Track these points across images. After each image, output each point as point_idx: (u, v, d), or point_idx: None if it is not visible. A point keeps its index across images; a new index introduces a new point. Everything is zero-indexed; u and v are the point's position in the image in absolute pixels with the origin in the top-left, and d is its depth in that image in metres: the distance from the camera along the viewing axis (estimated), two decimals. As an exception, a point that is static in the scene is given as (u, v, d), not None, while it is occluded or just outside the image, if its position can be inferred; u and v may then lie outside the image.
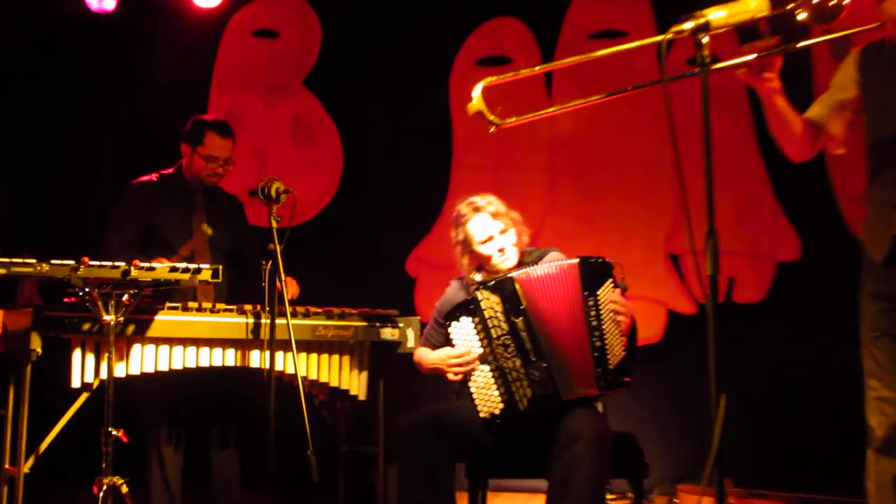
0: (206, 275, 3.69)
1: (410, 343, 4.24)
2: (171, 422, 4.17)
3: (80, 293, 3.50)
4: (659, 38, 2.47)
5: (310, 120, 6.27)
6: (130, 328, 3.73)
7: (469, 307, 3.45)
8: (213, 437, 4.30)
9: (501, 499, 5.25)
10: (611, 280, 3.42)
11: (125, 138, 5.86)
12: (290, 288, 4.18)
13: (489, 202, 3.73)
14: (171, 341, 3.83)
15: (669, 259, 5.68)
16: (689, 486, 4.98)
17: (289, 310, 3.82)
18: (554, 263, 3.51)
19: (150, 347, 3.80)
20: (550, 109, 3.04)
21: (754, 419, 4.79)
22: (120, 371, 3.72)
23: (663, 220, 5.70)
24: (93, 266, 3.45)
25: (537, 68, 3.11)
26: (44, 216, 5.87)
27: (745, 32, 2.67)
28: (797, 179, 4.88)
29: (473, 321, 3.44)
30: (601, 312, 3.37)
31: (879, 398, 2.99)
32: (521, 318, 3.38)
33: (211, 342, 3.90)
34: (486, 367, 3.40)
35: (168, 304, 3.83)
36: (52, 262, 3.41)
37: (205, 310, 3.89)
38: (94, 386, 3.72)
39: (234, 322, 3.92)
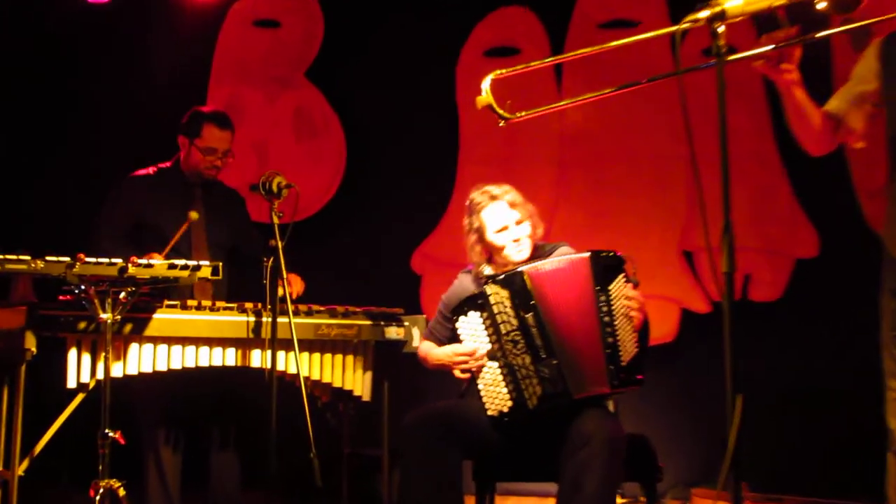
0: (205, 272, 3.69)
1: (416, 342, 4.24)
2: (169, 423, 4.18)
3: (76, 291, 3.51)
4: (673, 28, 2.47)
5: (312, 112, 6.27)
6: (128, 327, 3.74)
7: (477, 301, 3.45)
8: (212, 439, 4.31)
9: (510, 502, 5.25)
10: (622, 275, 3.43)
11: (122, 131, 5.86)
12: (295, 285, 4.19)
13: (506, 191, 3.74)
14: (170, 340, 3.84)
15: (683, 256, 5.67)
16: (704, 490, 4.98)
17: (291, 308, 3.82)
18: (564, 257, 3.52)
19: (148, 347, 3.81)
20: (561, 103, 3.05)
21: (771, 421, 4.79)
22: (117, 371, 3.73)
23: (677, 215, 5.69)
24: (89, 263, 3.45)
25: (547, 60, 3.11)
26: (41, 213, 5.87)
27: (762, 22, 2.66)
28: (815, 174, 4.87)
29: (482, 316, 3.44)
30: (613, 308, 3.37)
31: (900, 400, 2.99)
32: (531, 314, 3.39)
33: (210, 341, 3.90)
34: (495, 364, 3.41)
35: (166, 302, 3.84)
36: (47, 258, 3.41)
37: (204, 308, 3.90)
38: (91, 386, 3.72)
39: (234, 321, 3.93)
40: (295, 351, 3.78)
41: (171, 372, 3.84)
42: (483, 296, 3.43)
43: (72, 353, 3.69)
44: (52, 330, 3.65)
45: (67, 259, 3.42)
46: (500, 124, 2.79)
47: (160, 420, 4.17)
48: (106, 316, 3.51)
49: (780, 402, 5.04)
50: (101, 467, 3.51)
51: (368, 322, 4.20)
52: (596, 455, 3.14)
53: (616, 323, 3.37)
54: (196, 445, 4.30)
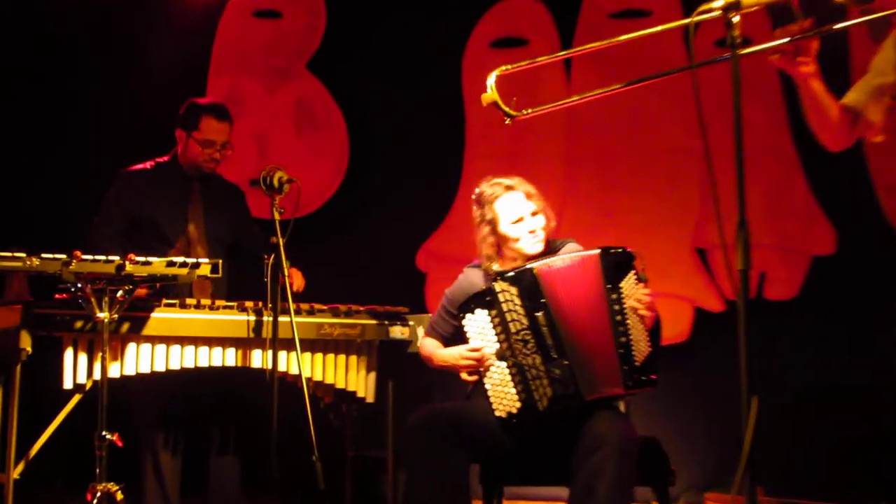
0: (204, 269, 3.70)
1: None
2: (167, 425, 4.20)
3: (73, 289, 3.51)
4: (685, 21, 2.47)
5: (314, 105, 6.27)
6: (125, 326, 3.76)
7: (485, 299, 3.44)
8: (211, 441, 4.32)
9: (517, 507, 5.26)
10: (633, 272, 3.43)
11: (122, 130, 5.86)
12: (295, 280, 4.20)
13: (521, 181, 3.73)
14: (168, 340, 3.85)
15: (696, 253, 5.67)
16: (718, 494, 4.99)
17: (292, 307, 3.83)
18: (575, 254, 3.52)
19: (146, 346, 3.83)
20: (569, 100, 3.03)
21: (787, 423, 4.77)
22: (114, 371, 3.74)
23: (689, 211, 5.69)
24: (85, 260, 3.46)
25: (553, 56, 3.11)
26: (41, 213, 5.88)
27: (777, 13, 2.66)
28: (832, 168, 4.86)
29: (490, 314, 3.43)
30: (625, 306, 3.38)
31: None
32: (541, 312, 3.38)
33: (210, 341, 3.92)
34: (503, 364, 3.40)
35: (165, 301, 3.85)
36: (43, 256, 3.42)
37: (203, 307, 3.91)
38: (87, 387, 3.75)
39: (234, 320, 3.94)
40: (297, 351, 3.80)
41: (169, 372, 3.86)
42: (491, 293, 3.42)
43: (68, 353, 3.71)
44: (48, 329, 3.67)
45: (63, 256, 3.44)
46: (507, 122, 2.79)
47: (158, 422, 4.18)
48: (103, 315, 3.52)
49: (797, 402, 5.03)
50: (98, 470, 3.52)
51: (372, 321, 4.21)
52: (609, 458, 3.14)
53: (628, 322, 3.37)
54: (195, 448, 4.32)
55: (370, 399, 4.25)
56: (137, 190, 4.32)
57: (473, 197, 3.78)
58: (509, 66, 2.79)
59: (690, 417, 5.35)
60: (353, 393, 4.20)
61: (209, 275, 3.71)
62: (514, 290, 3.40)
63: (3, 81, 5.96)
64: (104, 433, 3.51)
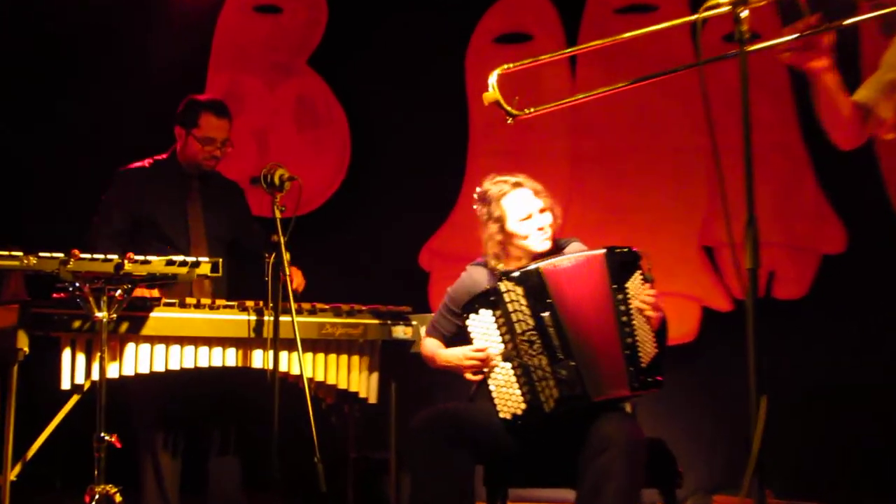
0: (204, 268, 3.70)
1: (424, 342, 4.26)
2: (167, 425, 4.20)
3: (71, 288, 3.52)
4: (693, 17, 2.47)
5: (315, 101, 6.27)
6: (124, 326, 3.76)
7: (490, 298, 3.43)
8: (211, 442, 4.33)
9: (522, 510, 5.26)
10: (639, 272, 3.43)
11: (122, 130, 5.86)
12: (295, 279, 4.19)
13: (527, 179, 3.72)
14: (168, 340, 3.86)
15: (703, 252, 5.67)
16: (726, 496, 4.99)
17: (294, 306, 3.83)
18: (580, 254, 3.52)
19: (145, 346, 3.84)
20: (573, 99, 3.02)
21: (796, 423, 4.78)
22: (113, 372, 3.74)
23: (697, 209, 5.69)
24: (84, 259, 3.46)
25: (556, 53, 3.10)
26: (41, 213, 5.89)
27: (787, 10, 2.66)
28: (843, 166, 4.86)
29: (494, 314, 3.42)
30: (631, 307, 3.38)
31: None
32: (547, 313, 3.37)
33: (210, 341, 3.92)
34: (508, 365, 3.39)
35: (164, 300, 3.85)
36: (41, 254, 3.42)
37: (203, 306, 3.92)
38: (86, 387, 3.75)
39: (234, 319, 3.95)
40: (298, 351, 3.80)
41: (168, 373, 3.86)
42: (496, 293, 3.41)
43: (66, 353, 3.71)
44: (46, 329, 3.67)
45: (61, 255, 3.43)
46: (509, 121, 2.78)
47: (158, 422, 4.18)
48: (101, 314, 3.52)
49: (807, 403, 5.03)
50: (96, 472, 3.52)
51: (375, 321, 4.21)
52: (616, 459, 3.14)
53: (634, 322, 3.37)
54: (195, 449, 4.32)
55: (373, 400, 4.25)
56: (136, 189, 4.32)
57: (476, 195, 3.76)
58: (511, 65, 2.78)
59: (698, 418, 5.36)
60: (356, 394, 4.20)
61: (209, 274, 3.71)
62: (519, 290, 3.40)
63: (3, 81, 5.97)
64: (103, 434, 3.52)
